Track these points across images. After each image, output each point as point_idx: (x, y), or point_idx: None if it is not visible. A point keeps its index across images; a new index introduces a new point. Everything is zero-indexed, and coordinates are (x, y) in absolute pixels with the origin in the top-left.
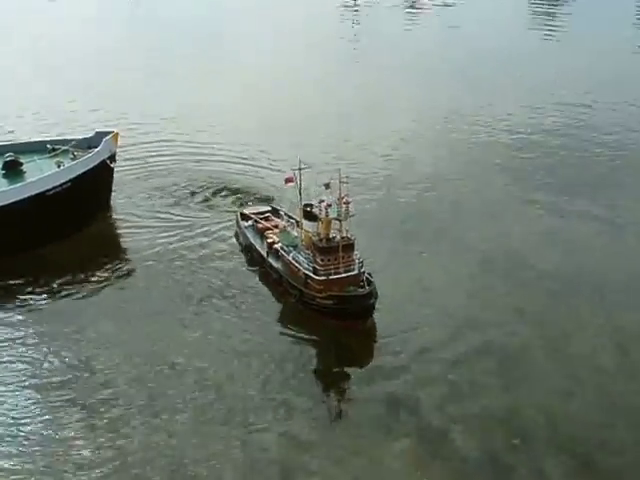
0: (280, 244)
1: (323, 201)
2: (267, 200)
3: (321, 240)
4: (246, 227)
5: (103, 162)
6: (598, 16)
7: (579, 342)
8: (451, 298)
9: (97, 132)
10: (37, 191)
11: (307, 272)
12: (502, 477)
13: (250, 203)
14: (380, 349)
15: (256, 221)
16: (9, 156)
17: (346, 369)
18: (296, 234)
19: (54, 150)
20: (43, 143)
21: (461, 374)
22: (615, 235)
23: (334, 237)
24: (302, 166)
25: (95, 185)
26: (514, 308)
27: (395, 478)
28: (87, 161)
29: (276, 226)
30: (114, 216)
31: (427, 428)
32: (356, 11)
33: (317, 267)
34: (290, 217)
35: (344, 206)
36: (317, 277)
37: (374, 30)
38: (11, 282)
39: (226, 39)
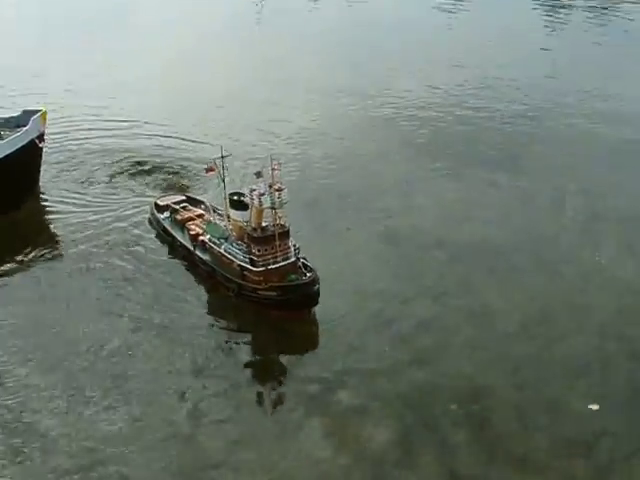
0: (208, 236)
1: (255, 190)
2: (184, 187)
3: (255, 230)
4: (163, 219)
5: (32, 142)
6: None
7: (493, 311)
8: (378, 275)
9: (25, 111)
10: None
11: (243, 264)
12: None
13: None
14: (323, 334)
15: (174, 211)
16: None
17: (288, 357)
18: (225, 225)
19: None
20: None
21: (398, 351)
22: (516, 206)
23: (267, 226)
24: (224, 154)
25: (23, 165)
26: (435, 280)
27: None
28: (15, 141)
29: (199, 216)
30: (42, 197)
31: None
32: None
33: (254, 258)
34: (215, 208)
35: (277, 193)
36: (255, 268)
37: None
38: None
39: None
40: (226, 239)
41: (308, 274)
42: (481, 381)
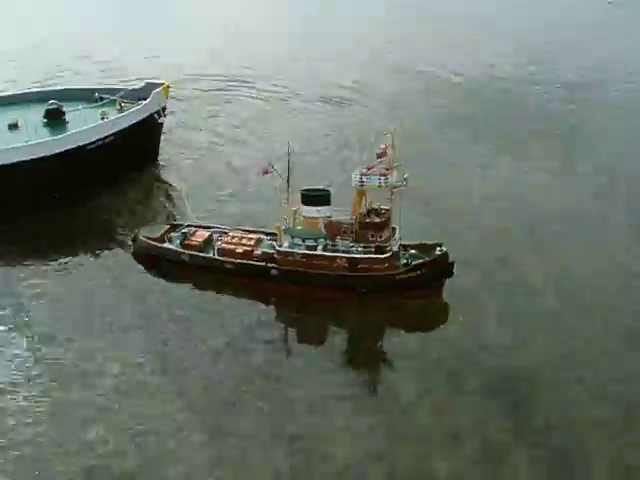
0: (286, 243)
1: (367, 172)
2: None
3: (369, 215)
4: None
5: (150, 116)
6: None
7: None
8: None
9: (147, 83)
10: (76, 144)
11: (361, 255)
12: None
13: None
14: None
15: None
16: (52, 104)
17: None
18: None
19: (102, 99)
20: (91, 91)
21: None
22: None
23: (382, 210)
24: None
25: (140, 141)
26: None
27: None
28: (133, 114)
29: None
30: (160, 175)
31: None
32: None
33: (382, 245)
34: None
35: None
36: (384, 255)
37: None
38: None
39: None
40: (325, 238)
41: (438, 247)
42: None
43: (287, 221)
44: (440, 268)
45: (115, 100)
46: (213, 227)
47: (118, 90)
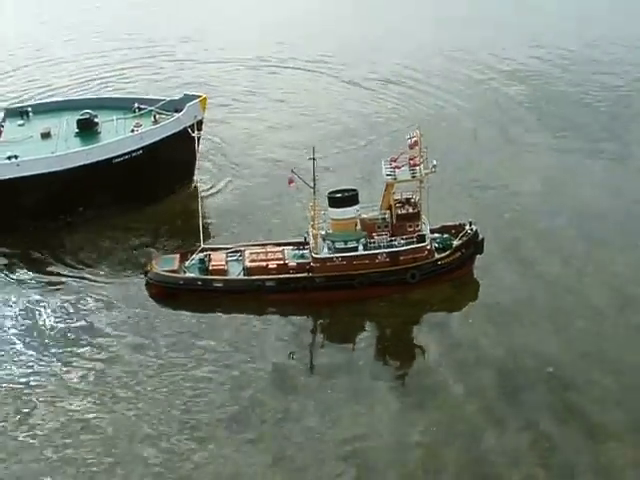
0: (325, 249)
1: (395, 162)
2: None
3: (403, 206)
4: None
5: (184, 130)
6: None
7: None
8: None
9: (185, 94)
10: (100, 157)
11: (404, 248)
12: None
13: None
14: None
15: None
16: (85, 113)
17: None
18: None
19: (140, 110)
20: (131, 101)
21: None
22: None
23: (412, 200)
24: (315, 155)
25: (172, 156)
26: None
27: None
28: (165, 127)
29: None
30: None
31: None
32: None
33: (423, 233)
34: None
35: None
36: (425, 243)
37: None
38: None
39: None
40: (365, 237)
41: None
42: None
43: (325, 227)
44: (474, 246)
45: (151, 111)
46: (224, 248)
47: (158, 100)
